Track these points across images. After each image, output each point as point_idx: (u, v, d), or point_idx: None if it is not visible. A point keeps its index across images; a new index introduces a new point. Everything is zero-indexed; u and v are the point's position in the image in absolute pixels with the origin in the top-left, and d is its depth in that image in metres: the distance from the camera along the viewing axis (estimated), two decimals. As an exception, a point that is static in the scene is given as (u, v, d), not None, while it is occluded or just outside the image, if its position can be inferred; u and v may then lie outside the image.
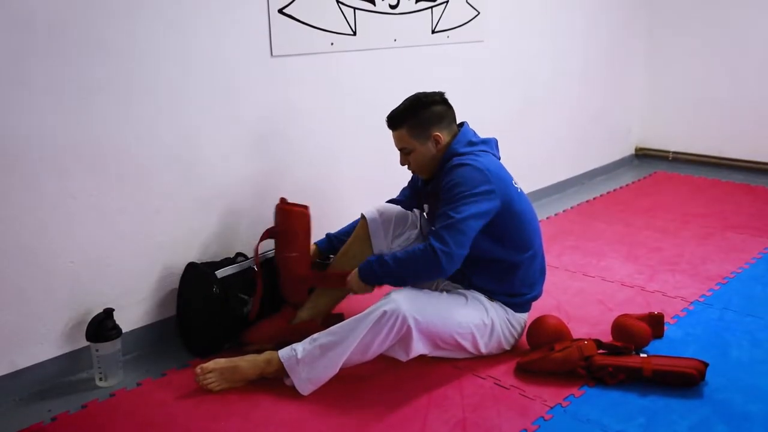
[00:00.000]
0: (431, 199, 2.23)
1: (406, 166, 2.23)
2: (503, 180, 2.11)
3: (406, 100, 2.19)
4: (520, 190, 2.21)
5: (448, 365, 2.17)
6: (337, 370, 2.02)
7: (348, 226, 2.47)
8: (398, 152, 2.23)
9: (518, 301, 2.22)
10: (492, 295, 2.19)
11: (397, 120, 2.16)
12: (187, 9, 2.29)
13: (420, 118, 2.14)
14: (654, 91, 4.81)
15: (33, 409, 2.04)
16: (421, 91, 2.21)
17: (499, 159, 2.23)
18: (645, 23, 4.67)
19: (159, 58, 2.25)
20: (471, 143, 2.15)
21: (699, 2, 4.51)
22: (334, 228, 2.53)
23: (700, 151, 4.70)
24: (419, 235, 2.31)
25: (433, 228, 2.08)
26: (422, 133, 2.14)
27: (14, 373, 2.09)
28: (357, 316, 2.03)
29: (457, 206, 2.01)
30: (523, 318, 2.27)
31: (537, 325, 2.24)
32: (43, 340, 2.15)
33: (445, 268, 2.00)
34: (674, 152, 4.83)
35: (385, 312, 1.98)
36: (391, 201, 2.45)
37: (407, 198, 2.45)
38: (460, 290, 2.20)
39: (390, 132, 2.21)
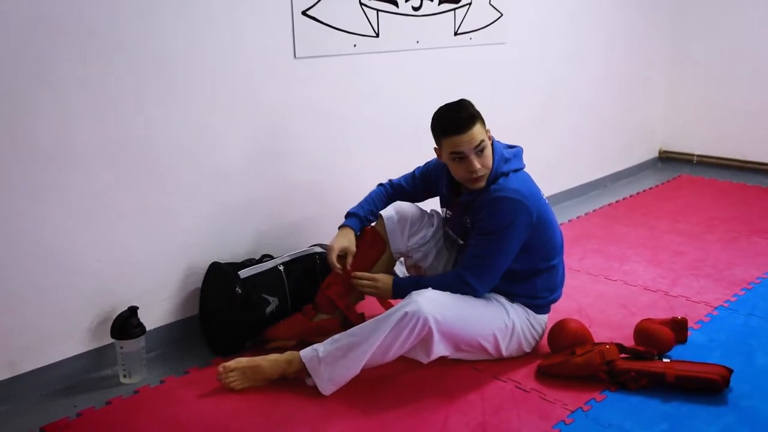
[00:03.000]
0: (458, 209, 2.23)
1: (476, 170, 2.08)
2: (536, 198, 2.13)
3: (454, 104, 2.12)
4: (547, 202, 2.23)
5: (469, 367, 2.17)
6: (359, 370, 2.03)
7: (365, 200, 2.40)
8: (446, 160, 2.15)
9: (539, 303, 2.23)
10: (513, 298, 2.20)
11: (472, 116, 2.08)
12: (212, 11, 2.31)
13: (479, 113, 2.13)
14: (678, 93, 4.77)
15: (59, 404, 2.08)
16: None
17: (524, 167, 2.23)
18: (669, 24, 4.64)
19: (184, 60, 2.27)
20: (506, 159, 2.15)
21: (724, 4, 4.47)
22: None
23: (726, 154, 4.65)
24: (435, 233, 2.33)
25: (467, 257, 2.15)
26: (485, 127, 2.13)
27: (41, 369, 2.13)
28: (378, 317, 2.04)
29: (494, 242, 2.09)
30: (544, 319, 2.27)
31: (558, 328, 2.24)
32: (69, 337, 2.19)
33: (480, 296, 2.17)
34: (699, 155, 4.78)
35: (406, 313, 1.99)
36: (399, 187, 2.42)
37: (413, 188, 2.41)
38: None
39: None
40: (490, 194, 2.09)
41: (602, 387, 2.05)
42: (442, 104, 2.14)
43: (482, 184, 2.12)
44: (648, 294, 2.73)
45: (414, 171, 2.42)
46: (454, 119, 2.07)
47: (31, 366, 2.11)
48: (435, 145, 2.17)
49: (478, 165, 2.07)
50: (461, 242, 2.28)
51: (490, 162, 2.11)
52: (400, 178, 2.44)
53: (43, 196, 2.05)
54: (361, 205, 2.37)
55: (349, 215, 2.35)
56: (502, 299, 2.19)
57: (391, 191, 2.42)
